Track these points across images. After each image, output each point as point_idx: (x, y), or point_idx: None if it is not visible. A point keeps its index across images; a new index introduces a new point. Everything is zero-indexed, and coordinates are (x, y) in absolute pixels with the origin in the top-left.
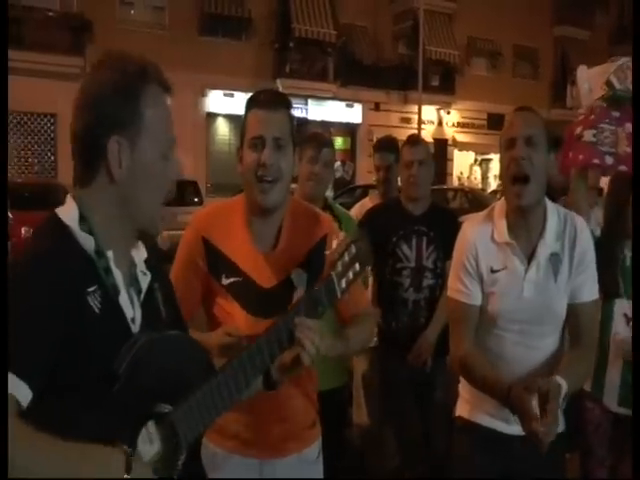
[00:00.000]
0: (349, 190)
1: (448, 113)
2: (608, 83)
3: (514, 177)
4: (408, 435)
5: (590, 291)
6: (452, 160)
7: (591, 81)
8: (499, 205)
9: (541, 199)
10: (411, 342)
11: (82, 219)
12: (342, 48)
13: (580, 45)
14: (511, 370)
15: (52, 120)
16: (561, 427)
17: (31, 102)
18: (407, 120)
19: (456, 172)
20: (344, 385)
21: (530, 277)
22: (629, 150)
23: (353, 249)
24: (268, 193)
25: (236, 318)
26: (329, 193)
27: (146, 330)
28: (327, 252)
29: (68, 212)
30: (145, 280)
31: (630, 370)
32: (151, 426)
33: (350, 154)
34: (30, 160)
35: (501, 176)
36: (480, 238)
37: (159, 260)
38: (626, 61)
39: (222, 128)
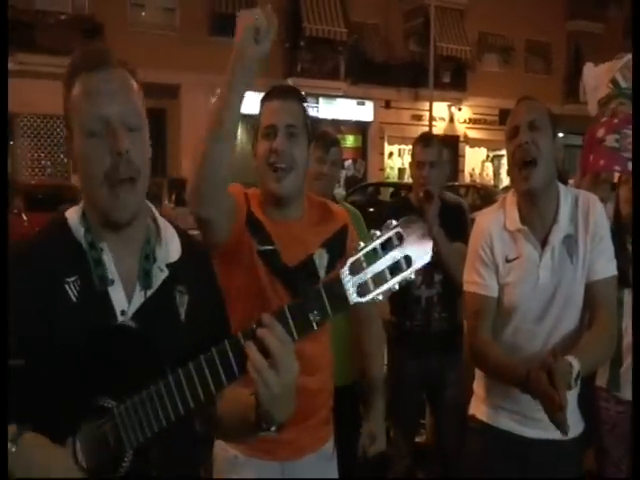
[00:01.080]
0: (361, 188)
1: (459, 110)
2: (614, 81)
3: (521, 162)
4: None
5: (605, 267)
6: (464, 157)
7: (597, 79)
8: (511, 194)
9: (550, 183)
10: (425, 341)
11: (84, 215)
12: (353, 46)
13: (594, 39)
14: (529, 361)
15: (64, 122)
16: (579, 428)
17: (43, 104)
18: (418, 117)
19: (468, 169)
20: (355, 382)
21: (545, 263)
22: None
23: (395, 242)
24: (282, 181)
25: (270, 290)
26: (342, 191)
27: (139, 325)
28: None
29: (74, 208)
30: (159, 277)
31: None
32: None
33: (361, 152)
34: (43, 162)
35: (508, 167)
36: (494, 227)
37: (203, 268)
38: (631, 59)
39: None
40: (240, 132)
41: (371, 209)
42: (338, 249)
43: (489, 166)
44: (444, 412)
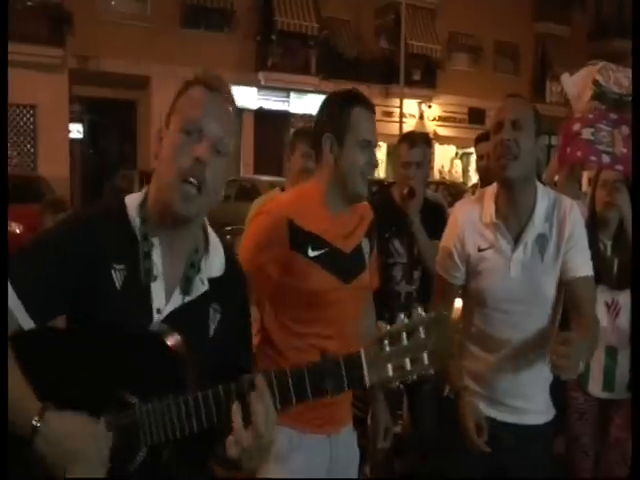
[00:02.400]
0: None
1: (429, 107)
2: (595, 82)
3: (501, 157)
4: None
5: (584, 266)
6: (433, 154)
7: (577, 86)
8: (490, 189)
9: (528, 178)
10: None
11: (142, 205)
12: (324, 42)
13: (560, 41)
14: (499, 348)
15: (32, 111)
16: (551, 414)
17: (10, 93)
18: (389, 114)
19: (437, 166)
20: None
21: (517, 257)
22: (625, 151)
23: (422, 334)
24: (367, 186)
25: (323, 283)
26: None
27: (170, 327)
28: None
29: (133, 196)
30: (199, 288)
31: (612, 357)
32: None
33: None
34: (9, 152)
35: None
36: (468, 220)
37: (240, 292)
38: (606, 64)
39: None
40: None
41: None
42: (373, 239)
43: (458, 163)
44: (421, 403)
